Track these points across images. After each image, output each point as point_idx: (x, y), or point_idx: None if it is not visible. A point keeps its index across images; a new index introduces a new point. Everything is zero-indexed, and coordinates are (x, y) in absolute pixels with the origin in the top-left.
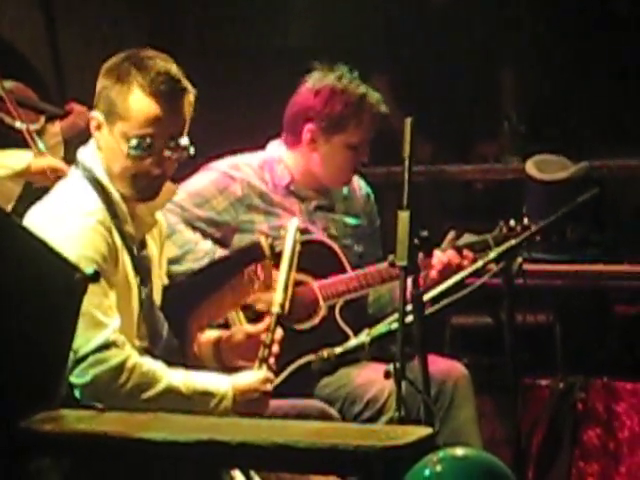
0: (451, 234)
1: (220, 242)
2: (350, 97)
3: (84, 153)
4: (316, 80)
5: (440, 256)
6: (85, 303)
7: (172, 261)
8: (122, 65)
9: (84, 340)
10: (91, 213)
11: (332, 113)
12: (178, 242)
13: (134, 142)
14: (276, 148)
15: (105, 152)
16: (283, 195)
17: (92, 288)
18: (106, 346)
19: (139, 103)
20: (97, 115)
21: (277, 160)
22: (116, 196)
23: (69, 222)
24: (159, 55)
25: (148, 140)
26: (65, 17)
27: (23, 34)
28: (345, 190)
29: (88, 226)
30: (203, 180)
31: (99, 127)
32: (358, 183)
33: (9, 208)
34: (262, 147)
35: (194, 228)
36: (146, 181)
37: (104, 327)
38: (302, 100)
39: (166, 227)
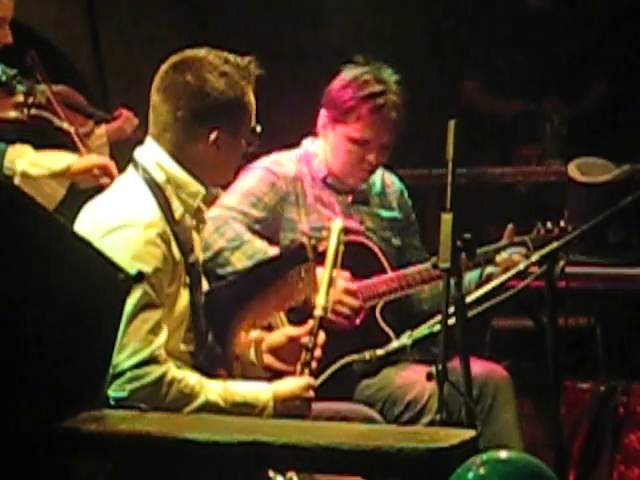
0: (510, 227)
1: (270, 241)
2: (360, 91)
3: (144, 154)
4: (347, 70)
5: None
6: (134, 319)
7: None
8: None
9: (125, 356)
10: (151, 224)
11: (338, 102)
12: (248, 252)
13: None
14: (310, 143)
15: (228, 153)
16: (321, 189)
17: (142, 303)
18: (146, 362)
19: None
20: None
21: (312, 154)
22: (193, 191)
23: (128, 234)
24: None
25: None
26: (107, 18)
27: (65, 35)
28: (378, 186)
29: (147, 239)
30: (250, 180)
31: (219, 138)
32: (390, 179)
33: (51, 208)
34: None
35: (253, 232)
36: None
37: (148, 344)
38: (328, 87)
39: (235, 236)
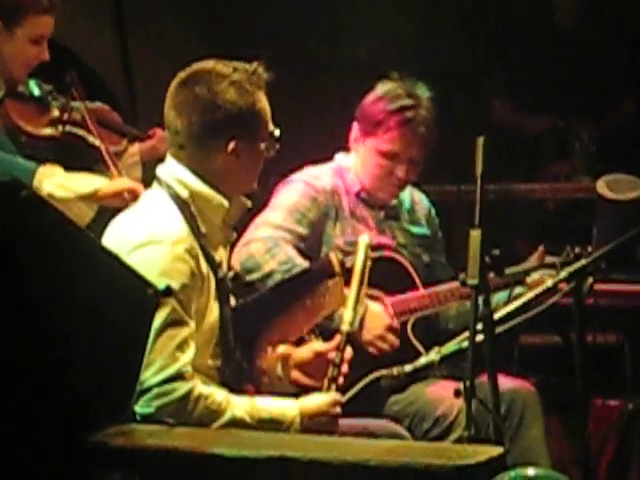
0: (540, 249)
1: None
2: (391, 104)
3: (166, 170)
4: (381, 85)
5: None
6: (161, 335)
7: None
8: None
9: (152, 372)
10: (179, 240)
11: (369, 115)
12: None
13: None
14: (343, 158)
15: (249, 161)
16: (355, 203)
17: (170, 319)
18: (173, 379)
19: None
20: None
21: (346, 169)
22: (217, 204)
23: (156, 250)
24: None
25: None
26: (136, 34)
27: (96, 52)
28: (407, 203)
29: (175, 255)
30: (292, 195)
31: (237, 148)
32: (419, 196)
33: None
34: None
35: (299, 250)
36: None
37: (175, 360)
38: (362, 101)
39: (286, 259)
